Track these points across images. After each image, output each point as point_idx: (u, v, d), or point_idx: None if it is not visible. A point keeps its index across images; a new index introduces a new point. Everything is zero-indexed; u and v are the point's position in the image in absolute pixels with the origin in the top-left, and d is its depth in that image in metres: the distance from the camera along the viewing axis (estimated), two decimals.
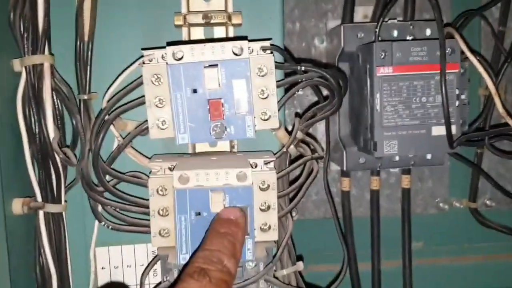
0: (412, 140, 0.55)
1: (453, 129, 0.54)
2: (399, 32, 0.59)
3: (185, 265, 0.39)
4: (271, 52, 0.44)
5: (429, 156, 0.60)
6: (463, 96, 0.56)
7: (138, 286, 0.51)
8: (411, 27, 0.59)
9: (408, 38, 0.59)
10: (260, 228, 0.45)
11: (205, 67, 0.42)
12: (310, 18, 0.68)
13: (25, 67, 0.45)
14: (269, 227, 0.45)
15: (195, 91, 0.43)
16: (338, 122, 0.64)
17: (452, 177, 0.72)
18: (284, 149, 0.48)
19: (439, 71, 0.53)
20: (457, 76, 0.54)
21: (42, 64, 0.45)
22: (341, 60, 0.62)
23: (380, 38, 0.58)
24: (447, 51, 0.53)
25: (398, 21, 0.60)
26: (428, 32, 0.58)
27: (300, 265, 0.50)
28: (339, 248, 0.54)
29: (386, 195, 0.72)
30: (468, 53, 0.51)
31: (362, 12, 0.69)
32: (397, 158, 0.61)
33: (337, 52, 0.61)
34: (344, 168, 0.63)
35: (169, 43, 0.43)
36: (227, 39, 0.46)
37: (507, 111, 0.51)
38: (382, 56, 0.54)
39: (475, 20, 0.64)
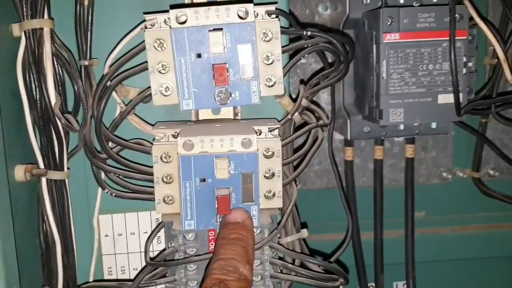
0: (418, 108, 0.55)
1: (460, 97, 0.53)
2: None
3: (203, 280, 0.39)
4: (277, 16, 0.43)
5: (434, 125, 0.60)
6: (470, 64, 0.55)
7: (143, 253, 0.51)
8: None
9: (415, 4, 0.57)
10: (265, 195, 0.45)
11: (209, 30, 0.41)
12: None
13: (25, 32, 0.45)
14: (274, 195, 0.45)
15: (199, 55, 0.42)
16: (342, 91, 0.64)
17: (456, 147, 0.72)
18: (289, 116, 0.47)
19: (446, 38, 0.52)
20: (465, 43, 0.53)
21: (41, 29, 0.45)
22: (346, 27, 0.61)
23: (387, 4, 0.57)
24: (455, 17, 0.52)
25: None
26: None
27: (304, 232, 0.50)
28: (342, 218, 0.55)
29: (389, 165, 0.72)
30: (478, 19, 0.50)
31: None
32: (402, 127, 0.60)
33: (342, 19, 0.60)
34: (348, 137, 0.63)
35: (172, 6, 0.42)
36: (232, 1, 0.45)
37: None
38: (389, 23, 0.53)
39: None
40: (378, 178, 0.68)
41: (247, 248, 0.41)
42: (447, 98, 0.54)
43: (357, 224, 0.69)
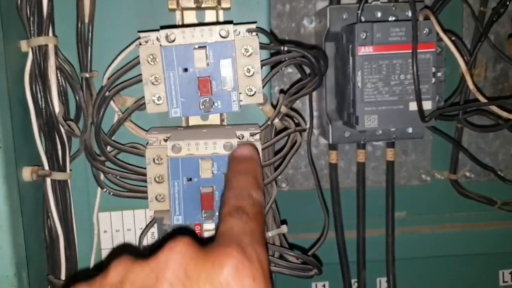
0: (391, 115, 0.59)
1: (429, 104, 0.58)
2: (382, 13, 0.62)
3: (220, 208, 0.41)
4: (256, 34, 0.48)
5: (410, 130, 0.64)
6: (439, 74, 0.59)
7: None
8: (394, 8, 0.62)
9: (390, 19, 0.62)
10: None
11: (194, 48, 0.46)
12: (300, 0, 0.72)
13: (32, 48, 0.49)
14: None
15: (186, 70, 0.47)
16: (324, 98, 0.68)
17: (434, 151, 0.76)
18: (269, 122, 0.52)
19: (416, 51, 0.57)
20: (434, 54, 0.57)
21: (47, 45, 0.49)
22: (328, 39, 0.65)
23: (363, 19, 0.61)
24: (424, 32, 0.57)
25: (381, 2, 0.63)
26: (409, 13, 0.61)
27: (284, 228, 0.54)
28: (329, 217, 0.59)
29: (372, 168, 0.76)
30: (441, 34, 0.54)
31: None
32: (380, 132, 0.65)
33: (324, 32, 0.65)
34: (330, 141, 0.67)
35: (162, 27, 0.47)
36: (215, 23, 0.50)
37: (477, 88, 0.55)
38: (363, 37, 0.57)
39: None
40: (361, 180, 0.72)
41: (257, 176, 0.44)
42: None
43: (341, 223, 0.72)
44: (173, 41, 0.47)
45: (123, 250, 0.55)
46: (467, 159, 0.75)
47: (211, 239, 0.36)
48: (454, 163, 0.75)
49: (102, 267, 0.34)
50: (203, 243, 0.34)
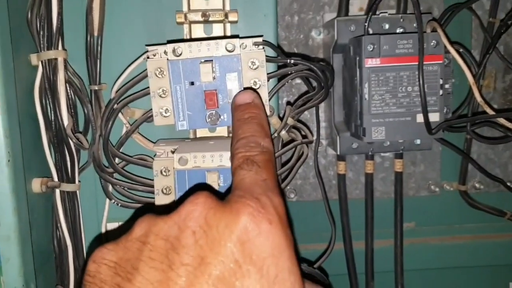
0: (398, 127, 0.59)
1: (437, 116, 0.58)
2: (390, 25, 0.62)
3: (231, 160, 0.41)
4: (263, 47, 0.48)
5: (418, 141, 0.64)
6: (447, 86, 0.59)
7: None
8: (401, 20, 0.62)
9: (398, 30, 0.62)
10: None
11: (200, 62, 0.47)
12: (308, 11, 0.72)
13: (41, 61, 0.50)
14: None
15: (192, 83, 0.48)
16: (332, 109, 0.68)
17: (444, 161, 0.75)
18: (275, 134, 0.52)
19: (423, 63, 0.57)
20: (441, 66, 0.57)
21: (56, 59, 0.50)
22: (335, 51, 0.66)
23: (371, 31, 0.61)
24: (432, 44, 0.57)
25: (389, 14, 0.63)
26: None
27: None
28: (337, 228, 0.59)
29: (381, 178, 0.76)
30: (449, 46, 0.54)
31: (358, 5, 0.72)
32: (387, 143, 0.64)
33: (332, 43, 0.65)
34: (338, 153, 0.67)
35: (170, 41, 0.48)
36: (222, 37, 0.51)
37: (485, 100, 0.55)
38: (370, 49, 0.57)
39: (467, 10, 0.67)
40: (369, 190, 0.72)
41: (262, 123, 0.44)
42: None
43: (350, 234, 0.72)
44: (180, 55, 0.47)
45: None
46: (476, 170, 0.74)
47: (227, 192, 0.37)
48: (463, 174, 0.74)
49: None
50: (221, 197, 0.35)
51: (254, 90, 0.48)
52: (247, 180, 0.37)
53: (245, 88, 0.48)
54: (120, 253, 0.33)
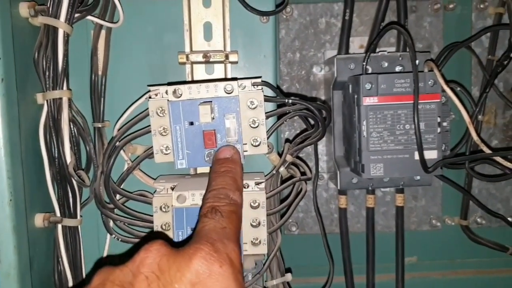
0: (396, 163, 0.60)
1: (435, 153, 0.58)
2: (389, 63, 0.63)
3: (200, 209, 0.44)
4: (261, 88, 0.50)
5: (417, 177, 0.65)
6: (445, 124, 0.60)
7: None
8: (400, 58, 0.63)
9: (397, 68, 0.63)
10: (251, 242, 0.51)
11: (200, 104, 0.48)
12: (310, 48, 0.74)
13: (47, 101, 0.51)
14: (259, 242, 0.51)
15: (191, 123, 0.49)
16: (333, 144, 0.69)
17: (445, 196, 0.76)
18: (274, 171, 0.53)
19: (420, 101, 0.58)
20: (438, 105, 0.58)
21: (61, 98, 0.51)
22: (335, 88, 0.67)
23: (370, 69, 0.63)
24: (429, 82, 0.58)
25: (388, 52, 0.65)
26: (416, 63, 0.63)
27: (288, 276, 0.55)
28: (337, 261, 0.59)
29: (382, 212, 0.76)
30: (444, 86, 0.55)
31: (358, 43, 0.74)
32: (387, 178, 0.65)
33: (333, 80, 0.66)
34: (338, 187, 0.68)
35: (170, 83, 0.50)
36: (223, 79, 0.52)
37: (481, 139, 0.56)
38: (368, 87, 0.58)
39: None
40: (370, 225, 0.72)
41: (236, 177, 0.46)
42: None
43: (351, 268, 0.72)
44: (180, 96, 0.49)
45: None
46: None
47: (185, 241, 0.39)
48: (464, 209, 0.74)
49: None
50: (178, 246, 0.38)
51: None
52: (207, 227, 0.39)
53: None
54: None
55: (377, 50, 0.65)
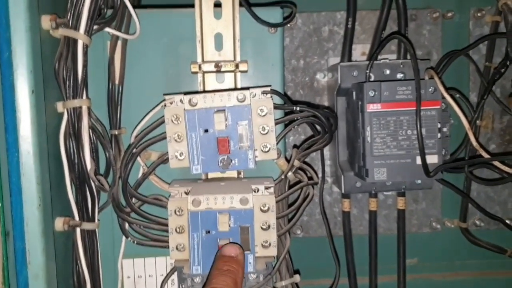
0: (399, 168, 0.62)
1: (435, 158, 0.61)
2: (391, 71, 0.66)
3: None
4: (271, 96, 0.52)
5: (419, 181, 0.67)
6: (445, 129, 0.62)
7: None
8: (401, 66, 0.66)
9: (398, 75, 0.65)
10: (262, 244, 0.53)
11: (214, 112, 0.51)
12: (313, 56, 0.76)
13: (67, 109, 0.53)
14: (269, 244, 0.53)
15: (206, 130, 0.52)
16: (337, 149, 0.71)
17: (444, 199, 0.78)
18: (283, 176, 0.56)
19: (422, 108, 0.60)
20: (439, 111, 0.61)
21: (81, 107, 0.53)
22: (339, 94, 0.69)
23: (372, 76, 0.65)
24: (430, 90, 0.60)
25: (389, 60, 0.67)
26: None
27: (297, 277, 0.57)
28: (342, 263, 0.61)
29: (384, 215, 0.78)
30: (445, 94, 0.58)
31: (360, 50, 0.76)
32: (390, 182, 0.67)
33: (336, 86, 0.69)
34: (342, 191, 0.70)
35: (186, 93, 0.52)
36: (234, 89, 0.55)
37: (480, 144, 0.58)
38: (372, 95, 0.61)
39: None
40: (372, 227, 0.74)
41: (236, 279, 0.47)
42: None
43: (354, 270, 0.74)
44: (196, 105, 0.51)
45: None
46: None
47: None
48: (463, 211, 0.76)
49: None
50: None
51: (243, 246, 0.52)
52: None
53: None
54: None
55: (379, 57, 0.67)
